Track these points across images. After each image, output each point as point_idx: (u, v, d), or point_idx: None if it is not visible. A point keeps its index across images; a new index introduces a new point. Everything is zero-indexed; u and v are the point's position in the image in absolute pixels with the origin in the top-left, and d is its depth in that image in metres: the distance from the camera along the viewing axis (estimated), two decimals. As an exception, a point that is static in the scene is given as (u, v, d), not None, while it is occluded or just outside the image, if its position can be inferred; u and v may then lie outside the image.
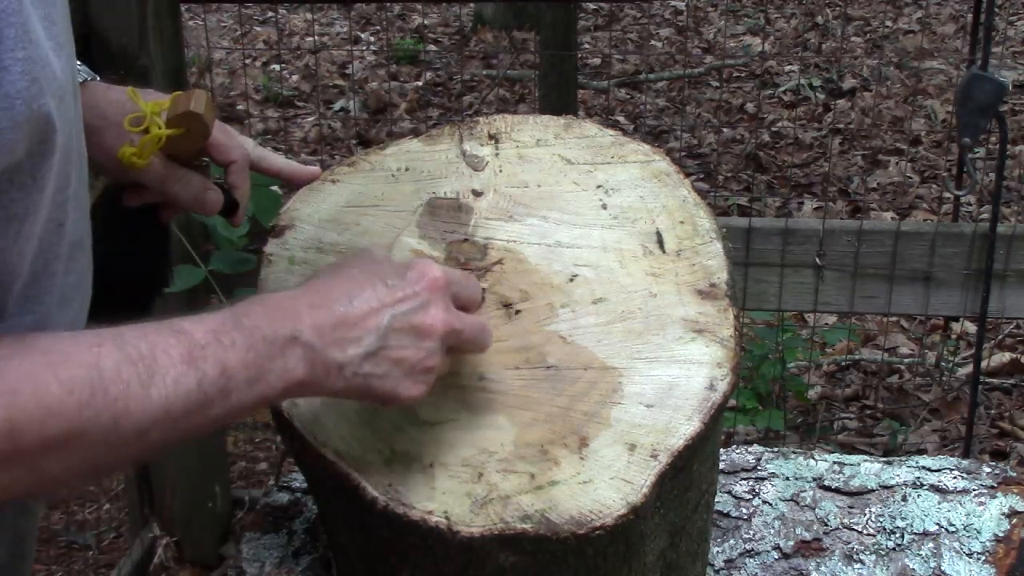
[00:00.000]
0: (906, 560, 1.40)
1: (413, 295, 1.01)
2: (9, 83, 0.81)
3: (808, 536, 1.43)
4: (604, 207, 1.28)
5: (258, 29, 7.24)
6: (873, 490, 1.46)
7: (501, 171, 1.31)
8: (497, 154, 1.33)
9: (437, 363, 1.03)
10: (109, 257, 1.13)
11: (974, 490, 1.45)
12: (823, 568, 1.41)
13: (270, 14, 7.10)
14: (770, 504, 1.46)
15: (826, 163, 5.06)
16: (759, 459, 1.52)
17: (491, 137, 1.35)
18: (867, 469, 1.49)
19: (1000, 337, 3.86)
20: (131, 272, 1.31)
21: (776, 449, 1.55)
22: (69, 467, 0.86)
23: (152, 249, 1.37)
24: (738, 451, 1.53)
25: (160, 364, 0.88)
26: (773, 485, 1.47)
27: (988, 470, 1.49)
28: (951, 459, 1.53)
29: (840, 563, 1.41)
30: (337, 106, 6.06)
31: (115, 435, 0.86)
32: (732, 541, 1.44)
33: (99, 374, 0.85)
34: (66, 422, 0.84)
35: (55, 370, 0.84)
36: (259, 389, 0.94)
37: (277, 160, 1.37)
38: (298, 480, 1.53)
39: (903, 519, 1.43)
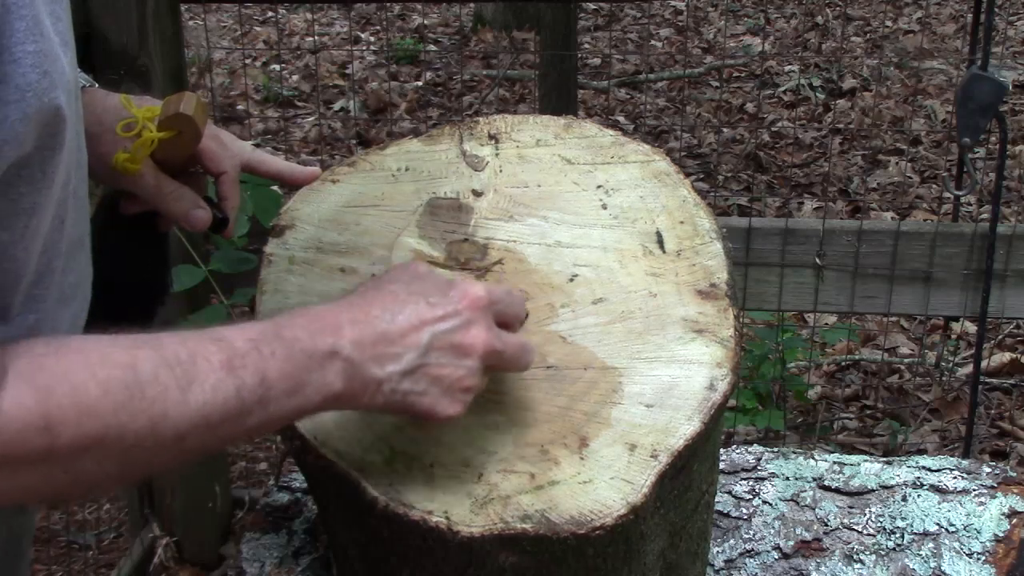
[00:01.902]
0: (906, 560, 1.40)
1: (455, 313, 1.01)
2: (20, 75, 0.81)
3: (808, 536, 1.43)
4: (604, 207, 1.28)
5: (258, 29, 7.24)
6: (873, 490, 1.46)
7: (501, 171, 1.31)
8: (497, 154, 1.33)
9: (476, 382, 1.02)
10: (109, 265, 1.13)
11: (974, 490, 1.45)
12: (823, 568, 1.41)
13: (270, 14, 7.10)
14: (770, 504, 1.46)
15: (826, 163, 5.05)
16: (759, 459, 1.52)
17: (491, 137, 1.35)
18: (867, 469, 1.49)
19: (1000, 337, 3.86)
20: (131, 280, 1.31)
21: (776, 449, 1.55)
22: (104, 469, 0.86)
23: (151, 256, 1.37)
24: (738, 451, 1.53)
25: (199, 370, 0.88)
26: (773, 485, 1.47)
27: (988, 470, 1.49)
28: (951, 459, 1.53)
29: (840, 563, 1.41)
30: (337, 106, 6.06)
31: (152, 438, 0.86)
32: (732, 541, 1.44)
33: (136, 376, 0.85)
34: (102, 422, 0.83)
35: (92, 370, 0.84)
36: (297, 401, 0.94)
37: (276, 162, 1.37)
38: (298, 480, 1.53)
39: (903, 519, 1.43)
